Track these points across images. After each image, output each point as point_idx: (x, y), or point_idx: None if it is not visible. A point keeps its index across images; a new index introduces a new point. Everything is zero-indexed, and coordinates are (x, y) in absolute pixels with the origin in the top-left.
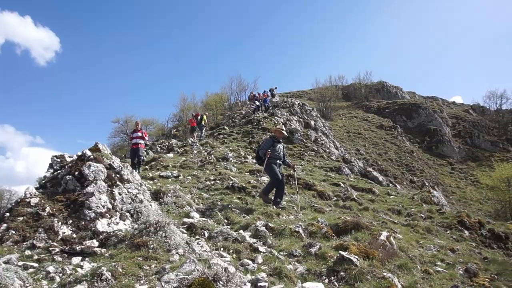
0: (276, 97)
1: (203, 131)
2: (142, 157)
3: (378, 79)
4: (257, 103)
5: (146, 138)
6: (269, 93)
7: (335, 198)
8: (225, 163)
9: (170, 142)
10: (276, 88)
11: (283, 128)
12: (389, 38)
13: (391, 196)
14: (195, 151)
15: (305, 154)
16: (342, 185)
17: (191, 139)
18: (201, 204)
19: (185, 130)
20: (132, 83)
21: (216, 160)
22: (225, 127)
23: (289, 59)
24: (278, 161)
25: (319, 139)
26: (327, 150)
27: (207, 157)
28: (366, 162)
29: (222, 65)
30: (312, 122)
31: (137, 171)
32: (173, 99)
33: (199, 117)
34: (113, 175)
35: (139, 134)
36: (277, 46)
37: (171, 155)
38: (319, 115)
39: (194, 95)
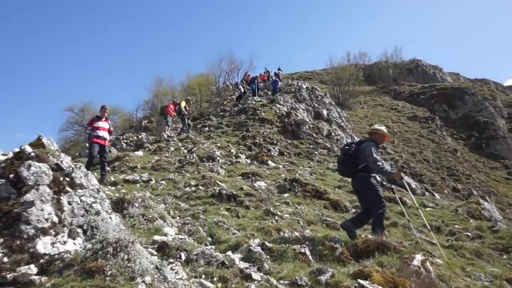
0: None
1: (186, 121)
2: (107, 158)
3: (410, 57)
4: (242, 88)
5: (111, 129)
6: (273, 75)
7: (353, 210)
8: (210, 164)
9: (140, 137)
10: (280, 70)
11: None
12: (425, 5)
13: (428, 209)
14: (172, 148)
15: (315, 152)
16: None
17: (166, 132)
18: (178, 217)
19: (160, 121)
20: (91, 60)
21: (199, 160)
22: (212, 117)
23: (295, 31)
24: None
25: (333, 134)
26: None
27: (188, 156)
28: (395, 164)
29: (208, 39)
30: (325, 112)
31: (102, 178)
32: (144, 82)
33: (177, 106)
34: (61, 179)
35: (106, 125)
36: (279, 15)
37: (140, 153)
38: (333, 103)
39: (172, 76)
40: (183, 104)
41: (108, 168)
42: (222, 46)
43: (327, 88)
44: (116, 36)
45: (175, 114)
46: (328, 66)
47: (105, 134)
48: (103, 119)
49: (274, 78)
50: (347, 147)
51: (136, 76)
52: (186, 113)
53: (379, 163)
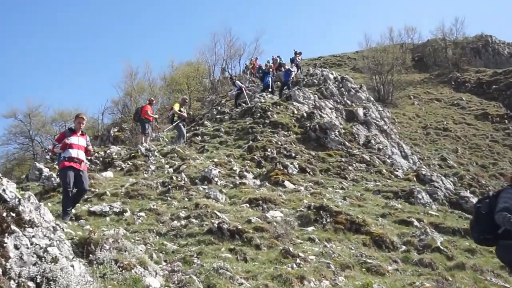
0: (293, 69)
1: (183, 131)
2: (86, 190)
3: (477, 32)
4: (239, 84)
5: (92, 152)
6: (286, 64)
7: (403, 247)
8: (205, 187)
9: (108, 152)
10: (300, 53)
11: None
12: None
13: None
14: (153, 167)
15: (349, 168)
16: (416, 223)
17: (144, 144)
18: (164, 262)
19: (135, 129)
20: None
21: (189, 183)
22: (206, 121)
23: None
24: None
25: (373, 141)
26: (388, 161)
27: (174, 178)
28: (460, 180)
29: (198, 13)
30: (361, 111)
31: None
32: (112, 74)
33: (170, 112)
34: (5, 214)
35: (83, 141)
36: None
37: (109, 174)
38: (372, 98)
39: (149, 67)
40: (176, 107)
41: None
42: (216, 23)
43: (363, 78)
44: (72, 18)
45: (155, 118)
46: (363, 48)
47: (81, 155)
48: (79, 133)
49: (287, 68)
50: (479, 205)
51: (102, 68)
52: (183, 118)
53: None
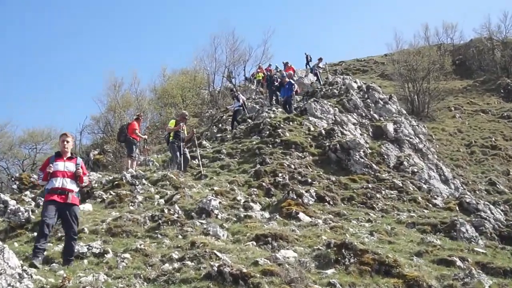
0: (309, 76)
1: (176, 153)
2: (75, 228)
3: None
4: (241, 99)
5: (86, 180)
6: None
7: None
8: (203, 221)
9: (88, 179)
10: (321, 59)
11: None
12: None
13: None
14: (140, 198)
15: (377, 196)
16: (459, 263)
17: (130, 169)
18: None
19: (119, 151)
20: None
21: (184, 217)
22: (204, 141)
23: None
24: None
25: (406, 163)
26: (425, 186)
27: (166, 210)
28: None
29: (194, 12)
30: (391, 127)
31: (66, 262)
32: (92, 86)
33: (182, 129)
34: None
35: (71, 166)
36: None
37: (88, 206)
38: (404, 111)
39: (136, 77)
40: (172, 124)
41: (77, 247)
42: (216, 23)
43: (393, 86)
44: (42, 20)
45: (144, 138)
46: (393, 50)
47: (68, 184)
48: (66, 156)
49: (286, 79)
50: None
51: (79, 78)
52: (182, 138)
53: None
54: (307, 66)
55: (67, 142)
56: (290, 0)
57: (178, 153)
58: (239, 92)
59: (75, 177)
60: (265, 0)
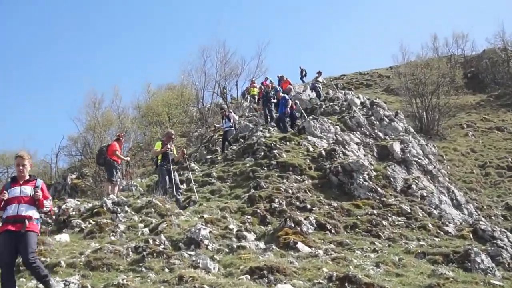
0: (308, 91)
1: (165, 178)
2: (36, 262)
3: None
4: (232, 117)
5: (47, 204)
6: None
7: None
8: (192, 253)
9: (64, 206)
10: (320, 73)
11: None
12: None
13: None
14: (122, 227)
15: (383, 223)
16: None
17: (111, 196)
18: None
19: (99, 175)
20: None
21: (171, 247)
22: (193, 164)
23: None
24: None
25: (414, 186)
26: (435, 212)
27: (151, 241)
28: None
29: (182, 23)
30: (397, 146)
31: None
32: (70, 103)
33: (170, 149)
34: None
35: (28, 190)
36: None
37: (65, 236)
38: (411, 129)
39: (118, 93)
40: (158, 146)
41: (52, 282)
42: (206, 34)
43: (400, 102)
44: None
45: (127, 160)
46: (399, 63)
47: (23, 209)
48: (22, 180)
49: (280, 93)
50: None
51: (55, 95)
52: (171, 159)
53: None
54: (302, 80)
55: (23, 166)
56: (286, 7)
57: (167, 177)
58: (231, 110)
59: (34, 201)
60: (258, 8)
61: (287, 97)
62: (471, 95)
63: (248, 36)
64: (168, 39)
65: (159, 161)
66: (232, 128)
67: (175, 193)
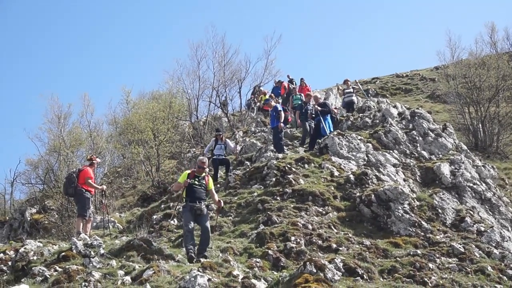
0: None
1: (203, 230)
2: None
3: None
4: (230, 147)
5: None
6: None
7: None
8: None
9: (23, 250)
10: (346, 82)
11: None
12: None
13: None
14: (97, 275)
15: (429, 266)
16: None
17: (82, 235)
18: None
19: (67, 208)
20: None
21: None
22: None
23: None
24: None
25: (468, 218)
26: (496, 252)
27: None
28: None
29: (170, 14)
30: (446, 168)
31: None
32: (28, 118)
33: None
34: None
35: None
36: None
37: (24, 287)
38: (463, 146)
39: (90, 104)
40: (183, 178)
41: None
42: (199, 28)
43: (448, 112)
44: None
45: (103, 190)
46: (446, 61)
47: None
48: None
49: (272, 103)
50: None
51: (10, 108)
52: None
53: None
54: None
55: None
56: None
57: (190, 224)
58: (222, 135)
59: None
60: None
61: (279, 107)
62: None
63: (254, 29)
64: (151, 33)
65: (183, 199)
66: (224, 158)
67: (199, 249)
